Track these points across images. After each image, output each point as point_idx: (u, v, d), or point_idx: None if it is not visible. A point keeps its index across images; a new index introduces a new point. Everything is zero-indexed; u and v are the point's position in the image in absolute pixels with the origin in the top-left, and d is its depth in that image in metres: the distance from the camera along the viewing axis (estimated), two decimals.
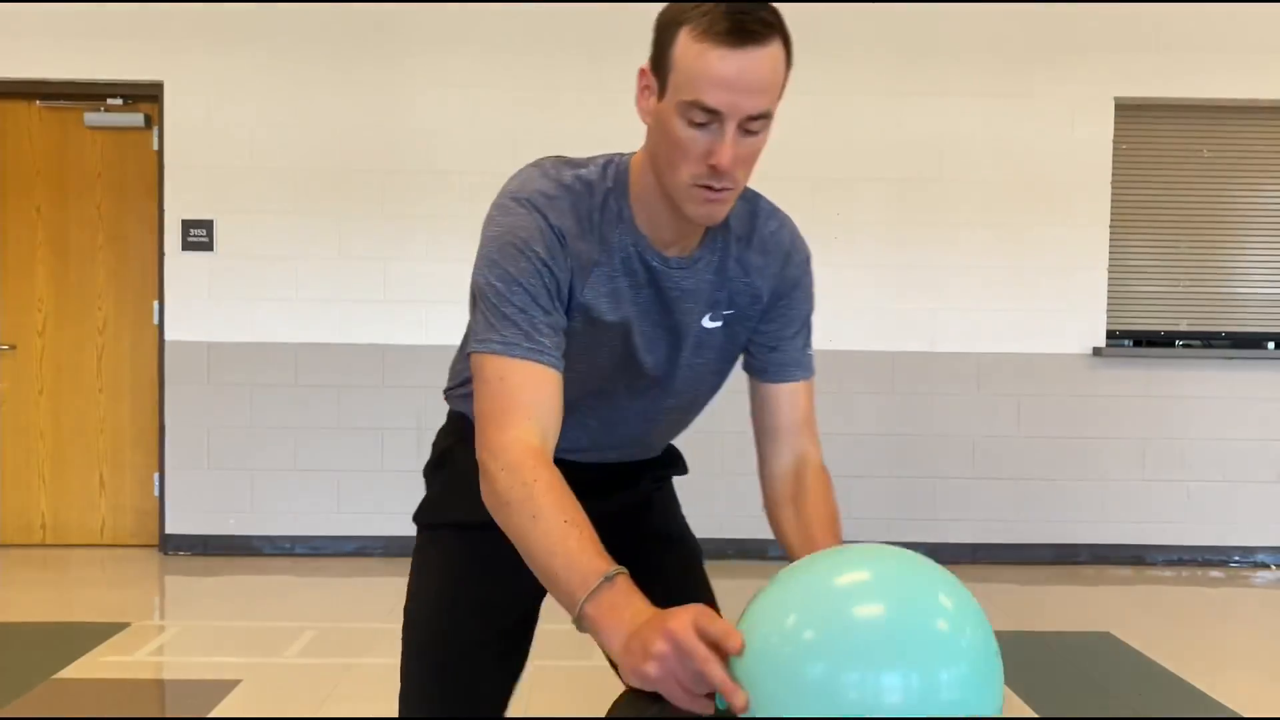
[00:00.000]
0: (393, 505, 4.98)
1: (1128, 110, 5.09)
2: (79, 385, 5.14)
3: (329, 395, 5.03)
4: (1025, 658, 3.69)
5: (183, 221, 4.96)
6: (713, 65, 1.22)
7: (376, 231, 4.99)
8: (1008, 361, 5.10)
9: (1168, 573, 5.07)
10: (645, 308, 1.44)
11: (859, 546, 1.08)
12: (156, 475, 5.10)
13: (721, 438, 5.01)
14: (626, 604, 1.11)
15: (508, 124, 4.96)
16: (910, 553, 1.06)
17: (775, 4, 1.28)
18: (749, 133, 1.27)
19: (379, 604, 4.26)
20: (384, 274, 5.01)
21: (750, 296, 1.48)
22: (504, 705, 1.60)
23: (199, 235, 4.96)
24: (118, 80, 4.96)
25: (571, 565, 1.16)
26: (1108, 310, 5.12)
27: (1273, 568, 5.16)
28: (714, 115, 1.25)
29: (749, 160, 1.31)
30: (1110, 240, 5.10)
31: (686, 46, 1.24)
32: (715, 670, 1.00)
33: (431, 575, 1.61)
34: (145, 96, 5.01)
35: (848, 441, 5.10)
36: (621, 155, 1.44)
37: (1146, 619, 4.26)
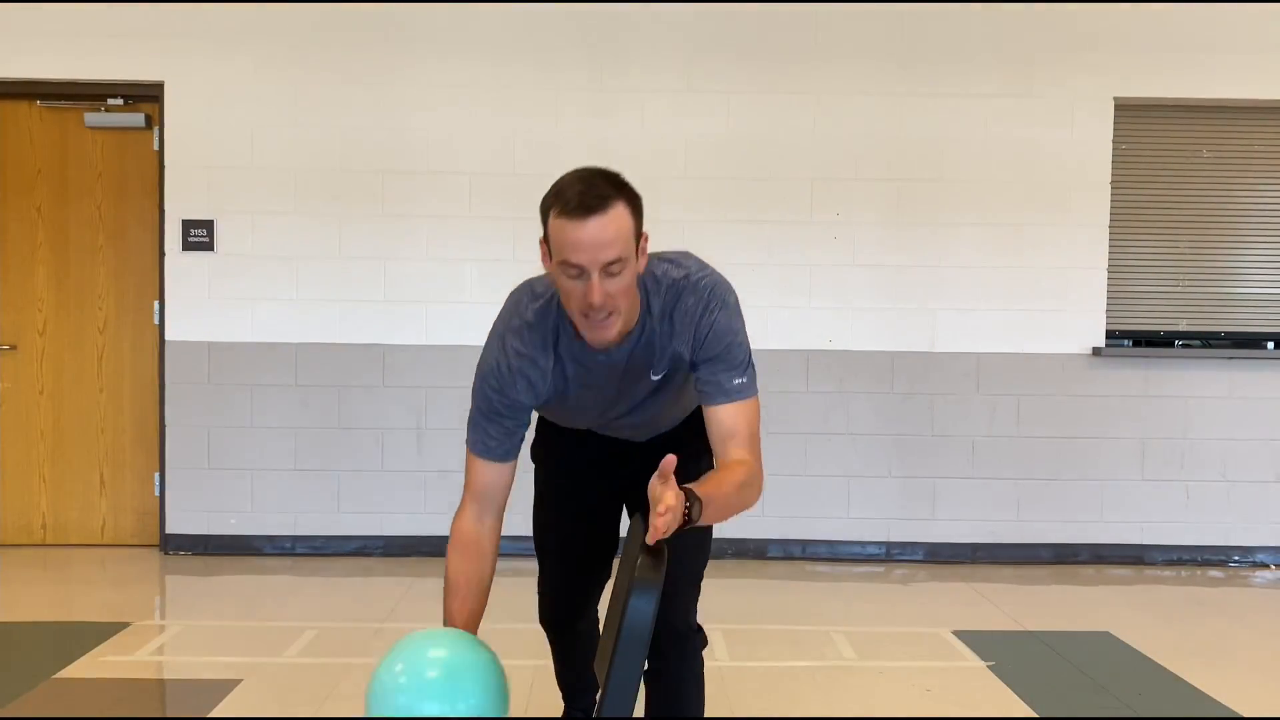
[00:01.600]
0: (393, 505, 4.99)
1: (1128, 110, 5.10)
2: (79, 385, 5.14)
3: (329, 395, 5.03)
4: (1025, 658, 3.70)
5: (183, 221, 4.96)
6: (569, 234, 1.75)
7: (376, 231, 4.99)
8: (1007, 361, 5.10)
9: (1167, 572, 5.07)
10: (601, 382, 2.01)
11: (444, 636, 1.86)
12: (157, 475, 5.11)
13: None
14: None
15: (507, 124, 4.97)
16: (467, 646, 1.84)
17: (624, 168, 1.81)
18: (611, 274, 1.77)
19: (379, 604, 4.27)
20: (384, 274, 5.01)
21: (675, 355, 1.97)
22: (600, 582, 2.42)
23: (199, 235, 4.96)
24: (118, 80, 4.96)
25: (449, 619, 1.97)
26: (1107, 310, 5.12)
27: (1272, 568, 5.16)
28: (580, 269, 1.76)
29: (621, 291, 1.81)
30: (1110, 240, 5.10)
31: (554, 224, 1.78)
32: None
33: (544, 490, 2.39)
34: (145, 96, 5.01)
35: (848, 441, 5.10)
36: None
37: (1146, 619, 4.26)
